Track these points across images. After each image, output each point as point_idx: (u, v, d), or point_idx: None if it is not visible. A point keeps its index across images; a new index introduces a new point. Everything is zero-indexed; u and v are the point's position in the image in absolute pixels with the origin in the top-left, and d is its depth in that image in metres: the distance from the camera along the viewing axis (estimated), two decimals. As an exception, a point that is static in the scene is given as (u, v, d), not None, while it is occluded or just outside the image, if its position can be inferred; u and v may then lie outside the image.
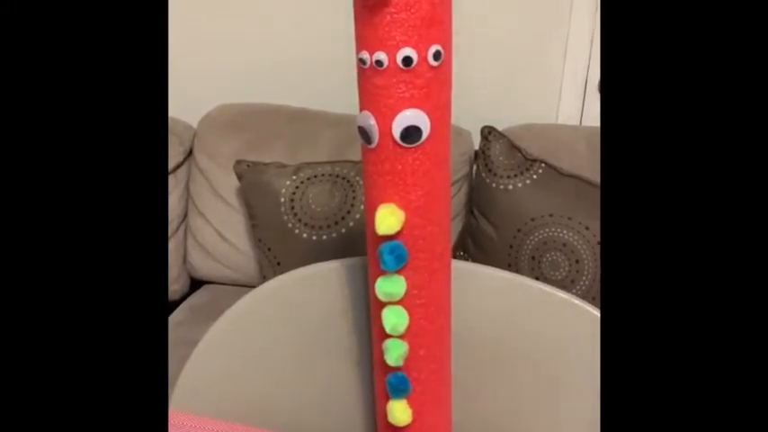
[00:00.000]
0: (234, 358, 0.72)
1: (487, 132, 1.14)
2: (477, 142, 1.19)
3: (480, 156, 1.15)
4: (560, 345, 0.69)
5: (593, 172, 1.09)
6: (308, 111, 1.30)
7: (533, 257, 1.07)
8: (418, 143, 0.51)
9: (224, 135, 1.28)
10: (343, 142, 1.23)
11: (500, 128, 1.16)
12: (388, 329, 0.55)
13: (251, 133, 1.27)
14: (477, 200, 1.16)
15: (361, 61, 0.50)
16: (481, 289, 0.70)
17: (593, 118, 1.32)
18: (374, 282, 0.56)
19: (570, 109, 1.32)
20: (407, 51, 0.47)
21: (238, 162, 1.19)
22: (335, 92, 1.22)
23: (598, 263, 1.04)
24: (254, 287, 0.73)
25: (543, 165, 1.10)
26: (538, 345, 0.70)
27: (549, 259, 1.06)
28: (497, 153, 1.12)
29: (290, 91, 1.34)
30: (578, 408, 0.68)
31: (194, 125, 1.33)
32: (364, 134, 0.52)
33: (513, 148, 1.13)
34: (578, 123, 1.34)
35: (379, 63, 0.48)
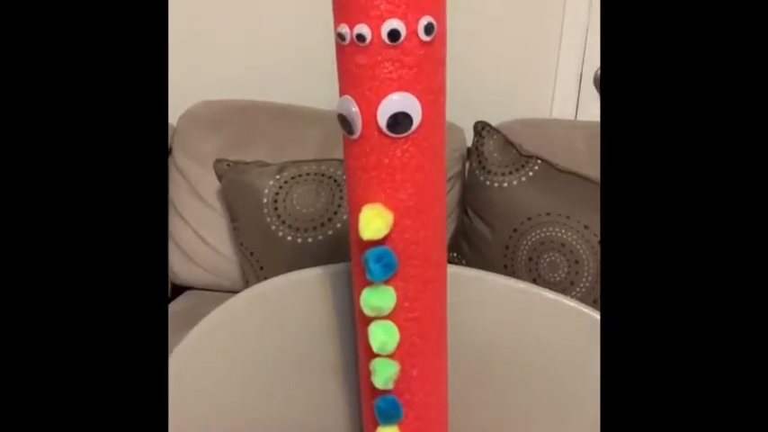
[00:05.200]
0: (206, 375, 0.69)
1: (481, 128, 1.13)
2: (469, 139, 1.19)
3: (473, 152, 1.14)
4: (561, 352, 0.67)
5: (591, 168, 1.08)
6: (293, 107, 1.29)
7: (530, 258, 1.05)
8: (408, 133, 0.47)
9: (205, 133, 1.26)
10: (331, 140, 1.21)
11: (493, 123, 1.15)
12: (375, 348, 0.52)
13: (233, 131, 1.26)
14: (471, 199, 1.14)
15: (340, 36, 0.46)
16: (477, 295, 0.67)
17: (588, 112, 1.32)
18: (359, 294, 0.52)
19: (565, 103, 1.33)
20: (394, 23, 0.43)
21: (218, 161, 1.18)
22: (322, 87, 1.21)
23: (598, 263, 1.03)
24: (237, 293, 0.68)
25: (539, 161, 1.09)
26: (537, 353, 0.68)
27: (548, 260, 1.05)
28: (491, 149, 1.11)
29: (275, 87, 1.33)
30: (580, 414, 0.66)
31: (174, 122, 1.32)
32: (345, 123, 0.48)
33: (508, 143, 1.12)
34: (573, 117, 1.35)
35: (360, 38, 0.44)
